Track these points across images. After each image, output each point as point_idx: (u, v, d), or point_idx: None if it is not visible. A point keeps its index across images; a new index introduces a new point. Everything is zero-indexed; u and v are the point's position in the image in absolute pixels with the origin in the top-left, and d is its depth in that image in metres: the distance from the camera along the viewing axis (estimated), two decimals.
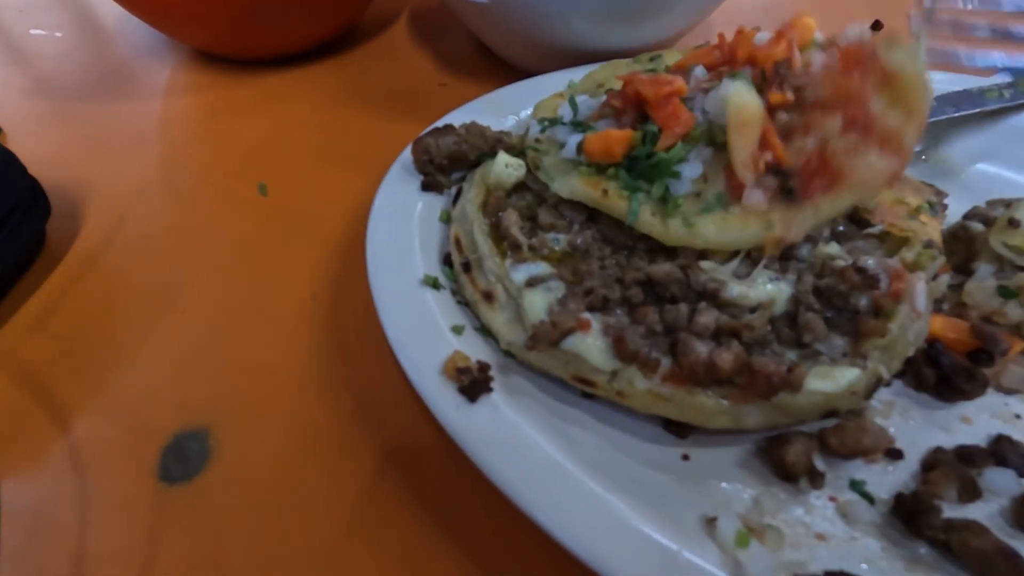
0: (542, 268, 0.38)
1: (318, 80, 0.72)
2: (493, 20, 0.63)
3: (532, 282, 0.37)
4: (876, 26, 0.81)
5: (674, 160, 0.36)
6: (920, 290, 0.35)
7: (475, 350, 0.36)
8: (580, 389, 0.36)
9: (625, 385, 0.34)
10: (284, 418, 0.39)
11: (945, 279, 0.38)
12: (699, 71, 0.40)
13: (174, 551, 0.33)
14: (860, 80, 0.35)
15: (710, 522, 0.30)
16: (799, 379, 0.31)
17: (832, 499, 0.32)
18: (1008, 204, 0.42)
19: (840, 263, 0.36)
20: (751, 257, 0.37)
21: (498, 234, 0.40)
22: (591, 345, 0.34)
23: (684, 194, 0.37)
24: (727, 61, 0.40)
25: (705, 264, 0.37)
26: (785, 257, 0.37)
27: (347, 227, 0.52)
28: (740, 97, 0.35)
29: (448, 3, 0.67)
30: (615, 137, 0.39)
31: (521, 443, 0.31)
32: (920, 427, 0.35)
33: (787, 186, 0.36)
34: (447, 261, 0.42)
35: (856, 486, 0.32)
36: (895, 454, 0.33)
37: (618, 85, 0.42)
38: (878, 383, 0.33)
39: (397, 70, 0.74)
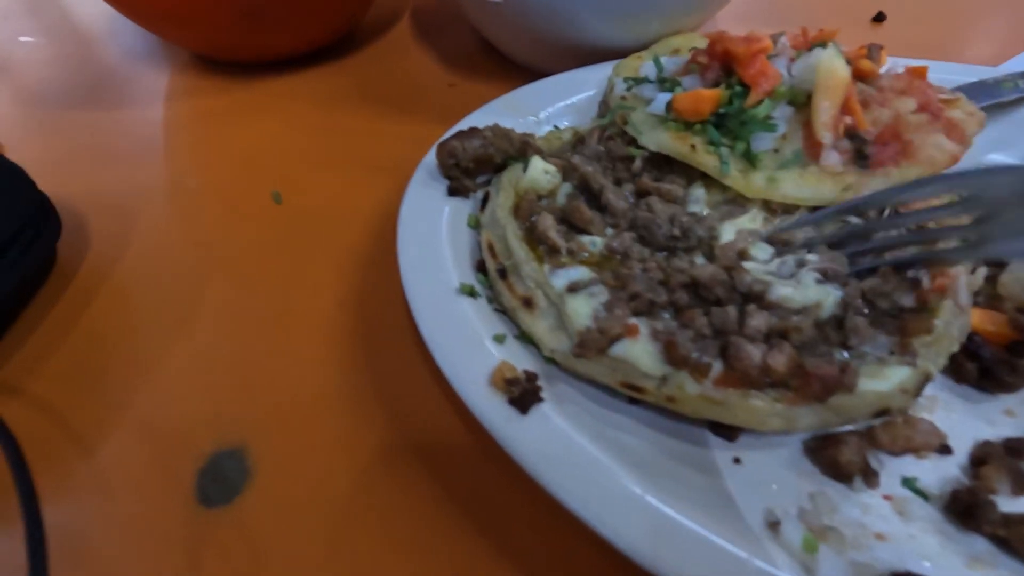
0: (582, 273, 0.37)
1: (323, 82, 0.71)
2: (503, 19, 0.62)
3: (573, 288, 0.36)
4: (879, 17, 0.82)
5: (762, 116, 0.40)
6: (962, 284, 0.35)
7: (518, 359, 0.36)
8: (627, 395, 0.36)
9: (675, 390, 0.33)
10: (321, 432, 0.38)
11: (983, 272, 0.38)
12: (784, 39, 0.44)
13: None
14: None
15: (772, 526, 0.30)
16: (852, 380, 0.31)
17: (886, 497, 0.32)
18: None
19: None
20: (796, 260, 0.37)
21: (532, 239, 0.40)
22: (641, 351, 0.33)
23: (764, 151, 0.40)
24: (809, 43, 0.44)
25: (747, 265, 0.37)
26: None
27: (369, 232, 0.51)
28: (832, 62, 0.39)
29: (457, 1, 0.66)
30: (705, 96, 0.42)
31: (576, 454, 0.31)
32: (964, 421, 0.35)
33: (862, 151, 0.39)
34: (480, 268, 0.42)
35: (909, 483, 0.33)
36: (945, 449, 0.34)
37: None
38: (926, 380, 0.33)
39: (403, 71, 0.72)
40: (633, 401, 0.36)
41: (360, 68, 0.74)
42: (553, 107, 0.54)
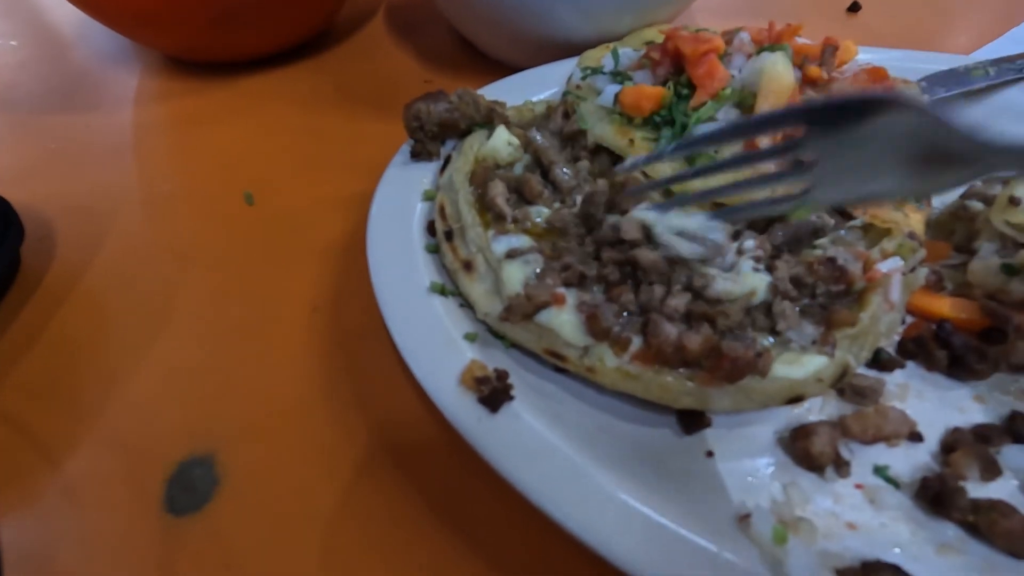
0: (523, 241, 0.38)
1: (296, 82, 0.70)
2: (478, 14, 0.61)
3: (512, 254, 0.37)
4: (854, 7, 0.82)
5: (704, 117, 0.39)
6: (896, 282, 0.35)
7: (491, 357, 0.36)
8: (552, 363, 0.36)
9: (595, 362, 0.34)
10: (293, 437, 0.38)
11: (924, 272, 0.38)
12: (744, 35, 0.43)
13: None
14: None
15: (742, 519, 0.30)
16: (766, 364, 0.31)
17: (858, 486, 0.32)
18: (1005, 182, 0.42)
19: (819, 253, 0.36)
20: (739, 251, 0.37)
21: (483, 205, 0.41)
22: (564, 320, 0.34)
23: (704, 151, 0.40)
24: (774, 40, 0.44)
25: (683, 247, 0.36)
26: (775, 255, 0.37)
27: (342, 233, 0.50)
28: (776, 68, 0.38)
29: None
30: (646, 93, 0.42)
31: (548, 453, 0.31)
32: (935, 408, 0.36)
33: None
34: (431, 229, 0.42)
35: (880, 472, 0.33)
36: (916, 437, 0.34)
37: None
38: (845, 372, 0.33)
39: (378, 68, 0.72)
40: (559, 370, 0.36)
41: (335, 66, 0.73)
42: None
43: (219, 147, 0.61)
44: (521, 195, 0.41)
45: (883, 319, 0.34)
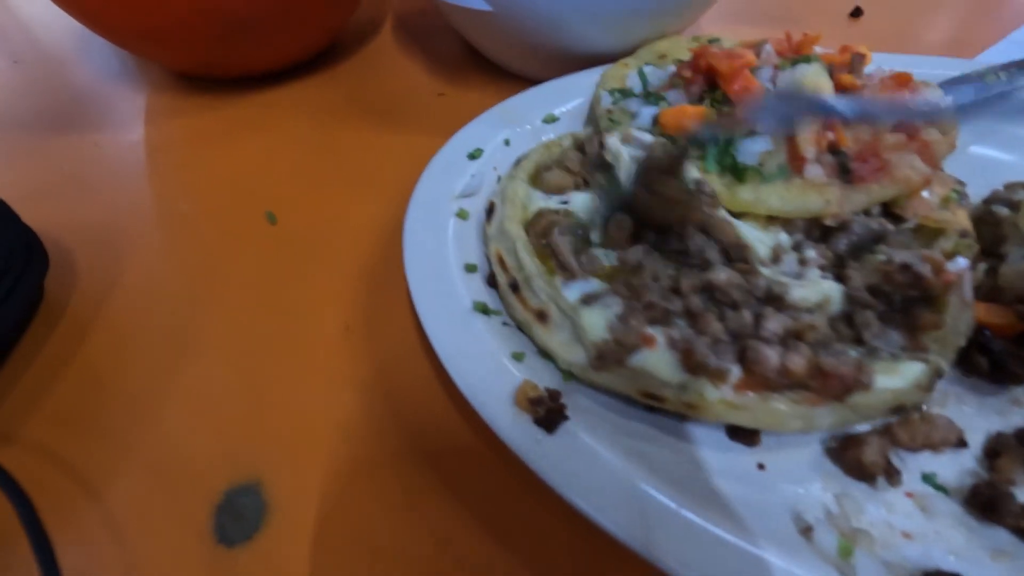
0: (595, 285, 0.37)
1: (307, 97, 0.69)
2: (491, 26, 0.61)
3: (587, 300, 0.36)
4: (856, 12, 0.83)
5: (747, 132, 0.40)
6: (967, 280, 0.36)
7: (538, 377, 0.36)
8: (645, 404, 0.35)
9: (695, 397, 0.33)
10: (337, 460, 0.37)
11: (981, 267, 0.39)
12: (769, 48, 0.43)
13: None
14: (910, 95, 0.38)
15: (804, 532, 0.30)
16: (869, 377, 0.32)
17: (909, 495, 0.33)
18: None
19: (881, 258, 0.37)
20: (801, 261, 0.37)
21: (543, 252, 0.40)
22: (659, 359, 0.33)
23: (750, 165, 0.40)
24: (794, 51, 0.45)
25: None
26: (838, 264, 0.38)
27: (371, 250, 0.50)
28: (816, 79, 0.39)
29: (442, 10, 0.65)
30: (689, 112, 0.42)
31: (608, 473, 0.31)
32: (975, 413, 0.36)
33: (845, 166, 0.39)
34: (491, 282, 0.41)
35: (929, 479, 0.33)
36: (960, 443, 0.34)
37: (680, 54, 0.45)
38: (938, 375, 0.34)
39: (389, 81, 0.71)
40: (651, 409, 0.36)
41: (345, 80, 0.72)
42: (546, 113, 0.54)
43: (234, 164, 0.60)
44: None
45: (962, 318, 0.35)
